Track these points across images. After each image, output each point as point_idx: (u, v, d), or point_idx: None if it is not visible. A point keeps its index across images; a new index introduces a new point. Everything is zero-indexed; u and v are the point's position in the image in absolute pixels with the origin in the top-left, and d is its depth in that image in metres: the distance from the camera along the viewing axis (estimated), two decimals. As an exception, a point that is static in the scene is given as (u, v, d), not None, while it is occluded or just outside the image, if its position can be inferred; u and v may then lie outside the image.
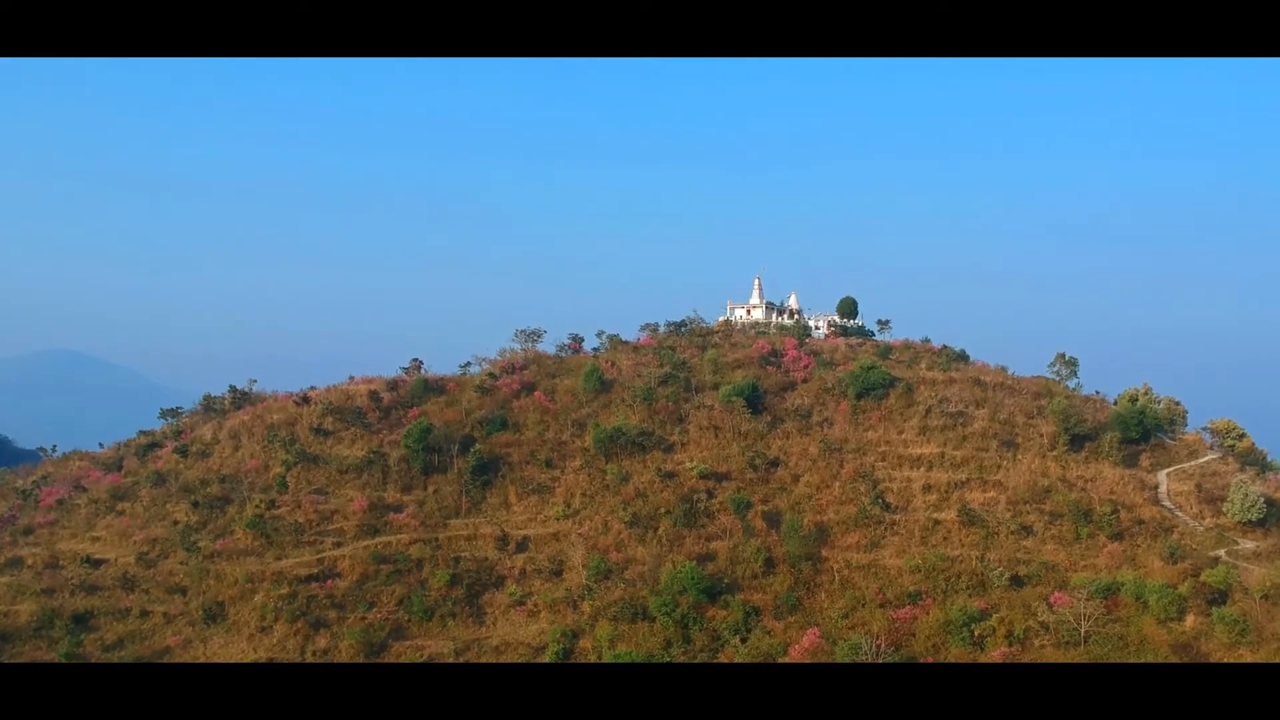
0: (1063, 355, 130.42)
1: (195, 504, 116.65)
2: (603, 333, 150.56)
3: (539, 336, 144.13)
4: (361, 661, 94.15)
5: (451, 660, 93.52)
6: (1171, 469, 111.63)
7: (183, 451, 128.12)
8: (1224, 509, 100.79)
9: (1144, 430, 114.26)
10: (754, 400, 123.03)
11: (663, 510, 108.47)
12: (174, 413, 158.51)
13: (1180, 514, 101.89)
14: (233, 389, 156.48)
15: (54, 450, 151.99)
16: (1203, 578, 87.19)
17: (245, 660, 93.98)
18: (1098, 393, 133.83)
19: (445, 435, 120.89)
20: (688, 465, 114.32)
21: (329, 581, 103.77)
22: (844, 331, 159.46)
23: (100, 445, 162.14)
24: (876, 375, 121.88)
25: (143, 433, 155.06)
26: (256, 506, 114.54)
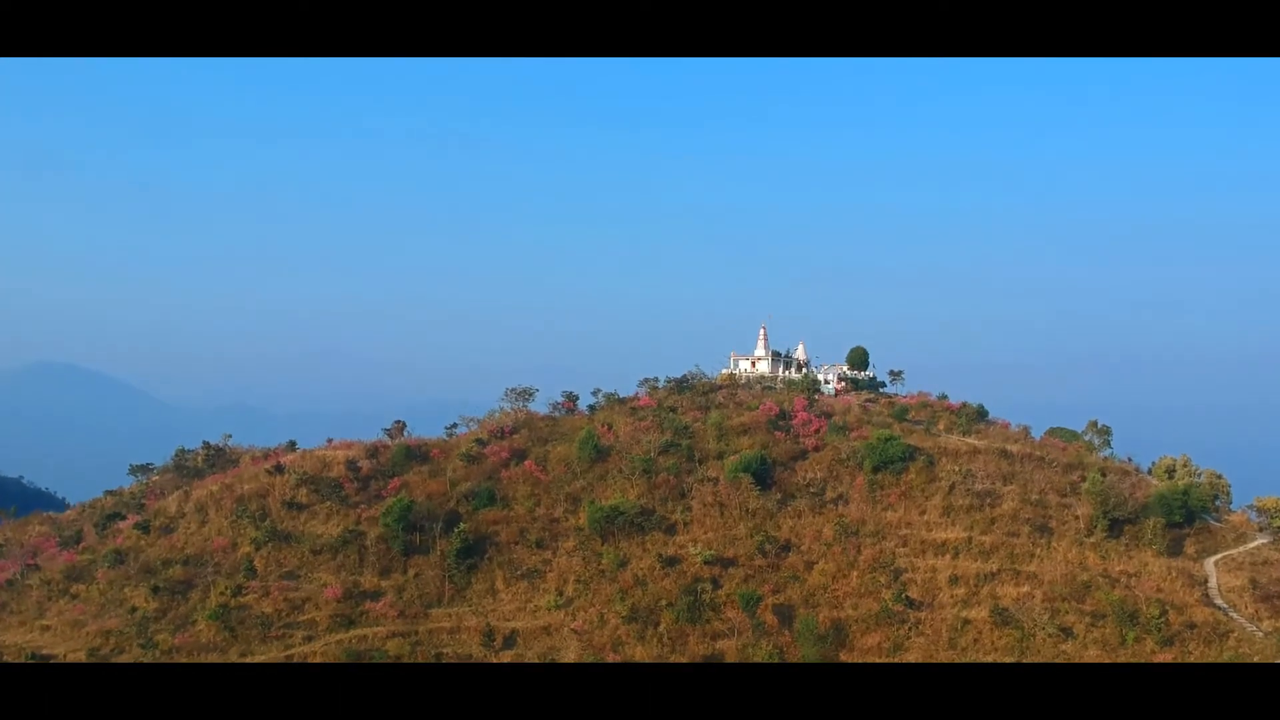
0: (1095, 423, 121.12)
1: (155, 589, 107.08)
2: (599, 390, 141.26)
3: (530, 395, 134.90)
4: (359, 662, 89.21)
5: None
6: (1219, 556, 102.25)
7: (144, 527, 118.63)
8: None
9: (1188, 512, 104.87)
10: (762, 473, 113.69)
11: (664, 602, 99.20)
12: (144, 469, 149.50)
13: (1235, 615, 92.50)
14: (206, 445, 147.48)
15: (13, 513, 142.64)
16: (1269, 701, 78.03)
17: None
18: (1129, 459, 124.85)
19: (428, 512, 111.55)
20: (691, 550, 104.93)
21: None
22: (855, 384, 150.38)
23: (66, 504, 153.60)
24: (895, 448, 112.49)
25: (109, 493, 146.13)
26: (221, 593, 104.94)
